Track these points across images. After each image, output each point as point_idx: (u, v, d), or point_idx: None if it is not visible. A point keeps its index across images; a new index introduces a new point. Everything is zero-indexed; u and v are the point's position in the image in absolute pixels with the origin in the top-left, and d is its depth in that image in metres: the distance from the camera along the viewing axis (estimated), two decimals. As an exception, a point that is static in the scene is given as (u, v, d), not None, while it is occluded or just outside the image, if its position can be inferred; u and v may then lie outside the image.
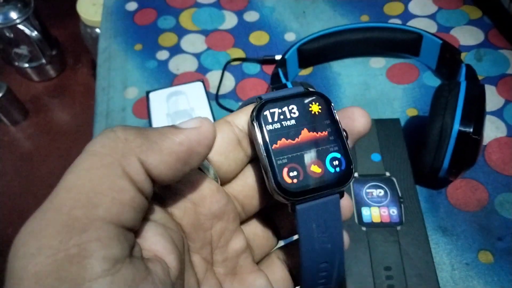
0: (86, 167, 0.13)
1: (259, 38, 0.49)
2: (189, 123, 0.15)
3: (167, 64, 0.47)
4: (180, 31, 0.50)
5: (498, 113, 0.41)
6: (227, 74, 0.46)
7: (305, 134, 0.17)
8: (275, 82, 0.39)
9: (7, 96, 1.13)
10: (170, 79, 0.46)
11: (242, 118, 0.17)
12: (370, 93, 0.43)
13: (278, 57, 0.45)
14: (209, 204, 0.16)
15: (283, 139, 0.16)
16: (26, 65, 1.22)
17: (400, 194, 0.33)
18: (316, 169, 0.16)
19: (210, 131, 0.15)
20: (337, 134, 0.17)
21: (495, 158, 0.38)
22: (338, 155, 0.17)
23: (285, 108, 0.17)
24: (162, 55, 0.48)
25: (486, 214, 0.35)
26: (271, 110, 0.17)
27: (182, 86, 0.44)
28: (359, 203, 0.33)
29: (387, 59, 0.46)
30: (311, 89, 0.18)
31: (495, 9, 0.47)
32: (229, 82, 0.46)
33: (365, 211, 0.32)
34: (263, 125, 0.16)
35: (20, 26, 1.11)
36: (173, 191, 0.16)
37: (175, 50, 0.48)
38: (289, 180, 0.16)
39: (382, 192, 0.33)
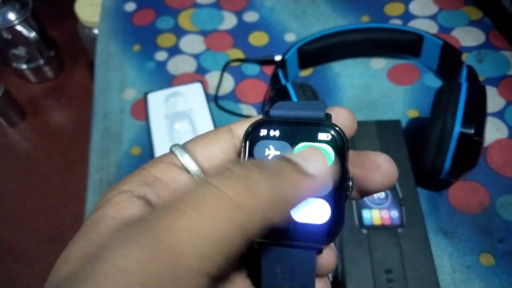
0: (213, 211, 0.12)
1: (258, 39, 0.49)
2: (313, 164, 0.13)
3: (165, 65, 0.47)
4: (179, 32, 0.50)
5: (499, 115, 0.40)
6: (226, 75, 0.46)
7: None
8: (274, 83, 0.39)
9: (4, 98, 1.13)
10: (168, 80, 0.46)
11: (244, 129, 0.16)
12: (370, 94, 0.43)
13: (278, 57, 0.45)
14: None
15: None
16: (24, 66, 1.22)
17: (401, 196, 0.33)
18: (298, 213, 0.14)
19: (326, 181, 0.13)
20: (337, 184, 0.14)
21: (497, 159, 0.37)
22: (322, 204, 0.14)
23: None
24: (161, 56, 0.48)
25: (487, 216, 0.34)
26: (268, 131, 0.15)
27: (181, 87, 0.43)
28: (360, 206, 0.32)
29: (388, 60, 0.45)
30: (330, 115, 0.15)
31: (496, 10, 0.47)
32: (228, 83, 0.45)
33: (365, 214, 0.32)
34: (252, 144, 0.15)
35: (18, 27, 1.11)
36: None
37: (174, 51, 0.48)
38: None
39: (383, 194, 0.33)
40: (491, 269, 0.32)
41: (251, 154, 0.15)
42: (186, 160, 0.16)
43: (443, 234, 0.34)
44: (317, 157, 0.13)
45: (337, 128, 0.15)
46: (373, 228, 0.31)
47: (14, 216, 1.01)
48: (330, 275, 0.32)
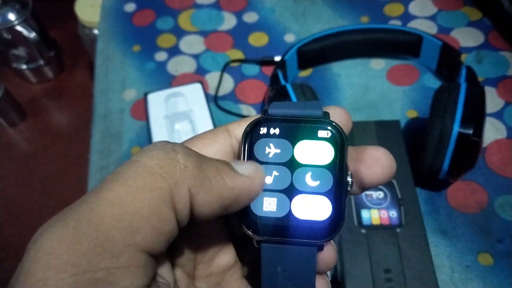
0: (137, 183, 0.12)
1: (258, 39, 0.49)
2: (245, 167, 0.14)
3: (165, 65, 0.47)
4: (179, 32, 0.50)
5: (498, 115, 0.40)
6: (226, 75, 0.46)
7: None
8: (274, 84, 0.39)
9: (4, 98, 1.13)
10: (168, 81, 0.46)
11: (242, 129, 0.16)
12: (370, 95, 0.43)
13: (277, 58, 0.45)
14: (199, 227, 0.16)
15: None
16: (24, 66, 1.22)
17: (399, 196, 0.33)
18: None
19: (261, 184, 0.14)
20: (336, 177, 0.14)
21: (495, 160, 0.38)
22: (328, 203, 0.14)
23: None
24: (161, 56, 0.48)
25: (486, 216, 0.35)
26: (268, 129, 0.15)
27: (181, 87, 0.44)
28: (359, 206, 0.33)
29: (387, 61, 0.46)
30: (329, 114, 0.15)
31: (496, 11, 0.47)
32: (228, 83, 0.45)
33: (364, 214, 0.32)
34: (252, 142, 0.15)
35: (18, 28, 1.11)
36: None
37: (174, 51, 0.48)
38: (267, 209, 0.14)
39: (381, 194, 0.33)
40: (490, 269, 0.32)
41: (251, 153, 0.15)
42: None
43: (442, 234, 0.34)
44: (247, 163, 0.14)
45: (336, 125, 0.15)
46: (372, 228, 0.32)
47: (15, 216, 1.01)
48: (328, 273, 0.32)
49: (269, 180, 0.15)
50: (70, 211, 0.12)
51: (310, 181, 0.14)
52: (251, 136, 0.15)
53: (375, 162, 0.15)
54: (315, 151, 0.15)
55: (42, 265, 0.11)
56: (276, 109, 0.15)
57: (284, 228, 0.14)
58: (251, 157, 0.15)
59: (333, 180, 0.14)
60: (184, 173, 0.13)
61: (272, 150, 0.15)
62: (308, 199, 0.14)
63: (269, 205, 0.14)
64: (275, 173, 0.15)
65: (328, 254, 0.16)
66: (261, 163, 0.15)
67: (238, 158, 0.16)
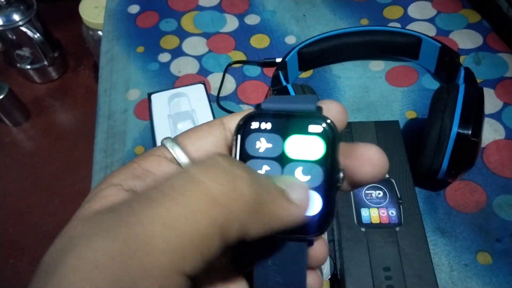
0: (194, 206, 0.11)
1: (260, 41, 0.49)
2: (298, 194, 0.13)
3: (168, 66, 0.48)
4: (182, 34, 0.51)
5: (497, 116, 0.41)
6: (228, 76, 0.47)
7: None
8: (275, 85, 0.39)
9: (9, 97, 1.14)
10: (171, 81, 0.47)
11: (236, 122, 0.16)
12: (369, 96, 0.44)
13: (278, 59, 0.46)
14: None
15: None
16: (28, 66, 1.23)
17: (399, 196, 0.33)
18: None
19: (306, 211, 0.14)
20: (327, 172, 0.14)
21: (494, 160, 0.38)
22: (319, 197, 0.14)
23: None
24: (164, 57, 0.49)
25: (485, 215, 0.35)
26: (260, 124, 0.15)
27: (184, 88, 0.44)
28: (358, 204, 0.33)
29: (387, 62, 0.46)
30: (322, 108, 0.15)
31: (494, 13, 0.48)
32: (230, 84, 0.46)
33: (364, 212, 0.33)
34: (244, 137, 0.15)
35: (23, 28, 1.12)
36: None
37: (177, 52, 0.49)
38: None
39: (381, 194, 0.33)
40: (488, 268, 0.32)
41: (242, 147, 0.15)
42: (177, 152, 0.15)
43: (441, 233, 0.35)
44: (301, 188, 0.14)
45: (328, 121, 0.15)
46: (371, 226, 0.32)
47: (19, 214, 1.02)
48: (327, 269, 0.32)
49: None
50: (116, 217, 0.11)
51: (300, 176, 0.14)
52: (243, 130, 0.15)
53: (367, 160, 0.14)
54: (306, 146, 0.14)
55: (82, 278, 0.10)
56: (270, 103, 0.15)
57: None
58: (243, 151, 0.15)
59: (324, 176, 0.14)
60: (241, 206, 0.12)
61: (263, 145, 0.15)
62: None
63: None
64: (265, 167, 0.15)
65: (319, 250, 0.15)
66: (252, 157, 0.15)
67: (230, 151, 0.16)
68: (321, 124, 0.15)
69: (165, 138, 0.16)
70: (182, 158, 0.15)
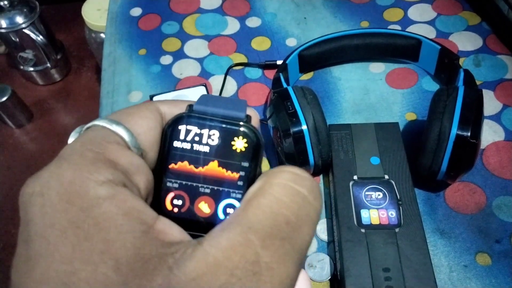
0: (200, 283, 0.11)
1: (261, 44, 0.50)
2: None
3: (170, 68, 0.48)
4: (184, 36, 0.51)
5: (496, 118, 0.41)
6: (229, 78, 0.47)
7: (212, 167, 0.15)
8: (276, 87, 0.40)
9: (12, 99, 1.14)
10: (173, 83, 0.47)
11: (171, 111, 0.16)
12: (369, 98, 0.44)
13: (279, 62, 0.46)
14: None
15: (186, 163, 0.15)
16: (31, 68, 1.24)
17: (398, 197, 0.33)
18: (204, 208, 0.14)
19: None
20: (248, 183, 0.14)
21: (493, 161, 0.38)
22: (236, 205, 0.14)
23: (205, 130, 0.15)
24: (166, 59, 0.49)
25: (484, 217, 0.35)
26: (188, 127, 0.15)
27: (185, 90, 0.45)
28: (358, 206, 0.33)
29: (387, 64, 0.46)
30: (250, 117, 0.15)
31: (494, 15, 0.48)
32: (231, 86, 0.46)
33: (364, 213, 0.33)
34: (172, 139, 0.15)
35: (26, 31, 1.13)
36: None
37: (179, 55, 0.49)
38: (169, 207, 0.14)
39: (381, 195, 0.34)
40: (487, 269, 0.33)
41: (170, 149, 0.15)
42: (129, 138, 0.15)
43: (440, 234, 0.35)
44: (316, 188, 0.14)
45: (254, 131, 0.15)
46: (371, 227, 0.32)
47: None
48: (327, 270, 0.33)
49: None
50: None
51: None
52: (171, 133, 0.15)
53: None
54: (230, 154, 0.15)
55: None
56: (202, 105, 0.15)
57: (187, 223, 0.14)
58: (169, 155, 0.15)
59: (246, 179, 0.15)
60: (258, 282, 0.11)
61: (188, 148, 0.15)
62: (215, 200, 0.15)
63: (177, 200, 0.15)
64: (189, 167, 0.15)
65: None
66: (179, 158, 0.15)
67: (161, 148, 0.15)
68: (248, 134, 0.15)
69: (108, 122, 0.15)
70: (134, 143, 0.15)
